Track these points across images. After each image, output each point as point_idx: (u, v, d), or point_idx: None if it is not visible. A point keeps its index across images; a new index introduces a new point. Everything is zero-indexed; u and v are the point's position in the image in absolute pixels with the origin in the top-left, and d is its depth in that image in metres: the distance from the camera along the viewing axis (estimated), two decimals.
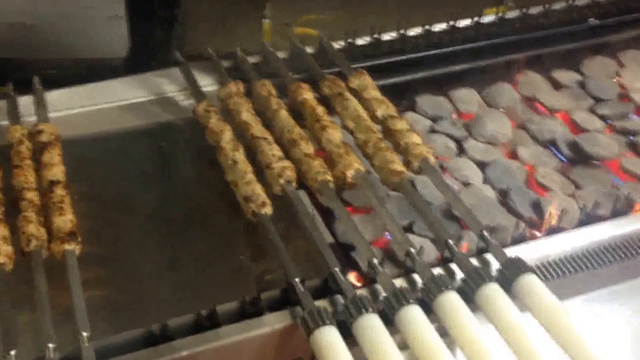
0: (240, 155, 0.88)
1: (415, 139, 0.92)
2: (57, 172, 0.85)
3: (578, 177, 1.00)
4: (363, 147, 0.93)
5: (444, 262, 0.80)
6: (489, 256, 0.80)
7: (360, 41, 1.13)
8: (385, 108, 0.97)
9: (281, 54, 1.10)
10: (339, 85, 1.00)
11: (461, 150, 1.05)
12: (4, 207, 0.81)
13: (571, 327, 0.69)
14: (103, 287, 0.79)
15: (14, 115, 0.95)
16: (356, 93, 1.00)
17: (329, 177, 0.87)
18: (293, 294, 0.73)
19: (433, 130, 1.07)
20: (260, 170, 0.88)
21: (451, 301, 0.72)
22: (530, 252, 0.82)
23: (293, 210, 0.83)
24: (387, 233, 0.91)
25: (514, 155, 1.04)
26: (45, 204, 0.81)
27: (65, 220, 0.79)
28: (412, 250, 0.77)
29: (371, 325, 0.69)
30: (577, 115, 1.11)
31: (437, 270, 0.78)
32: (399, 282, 0.76)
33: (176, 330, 0.71)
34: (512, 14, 1.19)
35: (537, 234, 0.89)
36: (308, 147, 0.90)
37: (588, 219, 0.89)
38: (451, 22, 1.15)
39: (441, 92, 1.13)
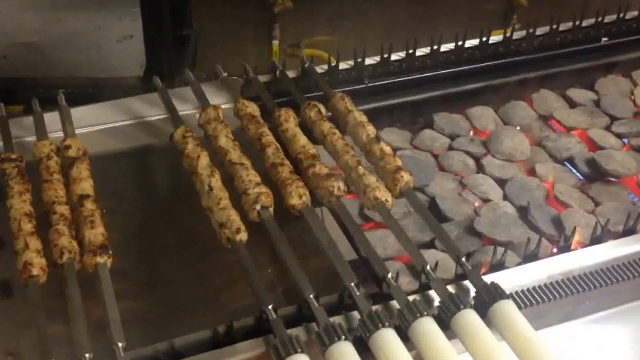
0: (216, 182, 0.86)
1: (396, 162, 0.89)
2: (86, 186, 0.86)
3: (596, 194, 1.00)
4: (346, 173, 0.90)
5: (422, 287, 0.78)
6: (467, 282, 0.78)
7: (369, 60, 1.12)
8: (365, 132, 0.94)
9: (263, 78, 1.08)
10: (320, 111, 0.98)
11: (479, 167, 1.05)
12: (35, 221, 0.81)
13: (542, 356, 0.68)
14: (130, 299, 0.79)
15: (41, 130, 0.96)
16: (338, 117, 0.99)
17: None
18: (265, 321, 0.72)
19: (451, 148, 1.08)
20: (239, 197, 0.85)
21: (426, 328, 0.70)
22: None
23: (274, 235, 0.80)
24: None
25: (532, 172, 1.04)
26: (75, 218, 0.82)
27: (96, 233, 0.79)
28: (389, 276, 0.75)
29: (343, 353, 0.68)
30: (594, 133, 1.11)
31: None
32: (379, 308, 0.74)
33: None
34: (522, 34, 1.19)
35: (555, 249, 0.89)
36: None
37: (609, 235, 0.88)
38: (465, 41, 1.15)
39: (457, 109, 1.14)
